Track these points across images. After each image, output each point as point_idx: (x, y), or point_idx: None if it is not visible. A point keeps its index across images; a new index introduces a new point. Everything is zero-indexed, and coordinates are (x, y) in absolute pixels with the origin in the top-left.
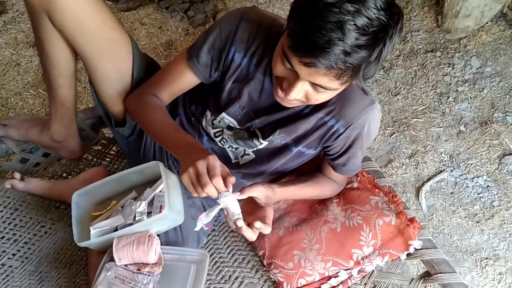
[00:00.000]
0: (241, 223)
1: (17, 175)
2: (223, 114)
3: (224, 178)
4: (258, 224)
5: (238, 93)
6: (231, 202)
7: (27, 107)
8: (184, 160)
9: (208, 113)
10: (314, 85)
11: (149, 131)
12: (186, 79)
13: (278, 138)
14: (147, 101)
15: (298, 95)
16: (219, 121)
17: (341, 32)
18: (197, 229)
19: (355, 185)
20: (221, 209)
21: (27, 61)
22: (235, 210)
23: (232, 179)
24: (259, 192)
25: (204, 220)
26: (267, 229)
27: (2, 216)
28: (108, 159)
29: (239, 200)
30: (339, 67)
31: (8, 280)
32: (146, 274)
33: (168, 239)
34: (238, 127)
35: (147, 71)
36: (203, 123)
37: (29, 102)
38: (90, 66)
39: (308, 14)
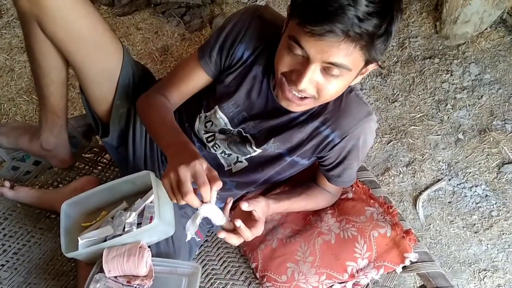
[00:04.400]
0: (222, 235)
1: (7, 183)
2: (216, 108)
3: (209, 181)
4: (238, 222)
5: (236, 87)
6: (211, 211)
7: (21, 113)
8: (171, 160)
9: (202, 114)
10: (325, 69)
11: (148, 129)
12: (197, 78)
13: (272, 147)
14: (152, 101)
15: (309, 84)
16: (210, 119)
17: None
18: (188, 239)
19: (350, 195)
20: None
21: (21, 67)
22: (217, 220)
23: (218, 185)
24: (259, 208)
25: (191, 229)
26: (246, 233)
27: None
28: (100, 167)
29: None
30: (355, 31)
31: None
32: (136, 287)
33: (160, 250)
34: (230, 127)
35: (142, 79)
36: (196, 126)
37: (22, 108)
38: (80, 73)
39: None
